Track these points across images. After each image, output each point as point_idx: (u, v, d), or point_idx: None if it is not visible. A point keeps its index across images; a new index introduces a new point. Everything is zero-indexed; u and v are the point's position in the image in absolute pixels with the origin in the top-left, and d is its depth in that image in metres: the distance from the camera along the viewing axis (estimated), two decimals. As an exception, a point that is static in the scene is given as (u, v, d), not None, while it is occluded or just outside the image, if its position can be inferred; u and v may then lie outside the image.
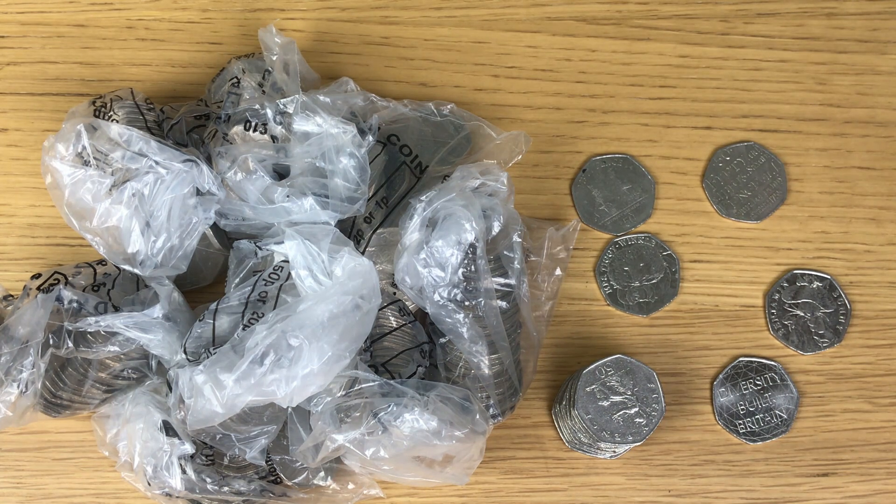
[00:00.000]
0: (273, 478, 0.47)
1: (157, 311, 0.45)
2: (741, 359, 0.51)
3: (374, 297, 0.44)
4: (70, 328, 0.44)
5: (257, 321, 0.43)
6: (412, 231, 0.46)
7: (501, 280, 0.46)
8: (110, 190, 0.45)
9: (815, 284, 0.53)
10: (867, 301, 0.53)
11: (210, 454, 0.46)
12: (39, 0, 0.55)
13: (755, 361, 0.51)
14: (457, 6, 0.56)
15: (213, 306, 0.45)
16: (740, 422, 0.51)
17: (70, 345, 0.44)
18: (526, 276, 0.47)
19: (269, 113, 0.47)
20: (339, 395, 0.44)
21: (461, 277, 0.45)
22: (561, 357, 0.52)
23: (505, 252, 0.47)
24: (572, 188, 0.53)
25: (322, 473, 0.47)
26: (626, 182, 0.53)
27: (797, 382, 0.51)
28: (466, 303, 0.46)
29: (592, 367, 0.47)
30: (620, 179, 0.53)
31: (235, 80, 0.49)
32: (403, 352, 0.46)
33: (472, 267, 0.45)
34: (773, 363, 0.52)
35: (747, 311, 0.52)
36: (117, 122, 0.46)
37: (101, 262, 0.47)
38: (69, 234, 0.52)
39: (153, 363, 0.46)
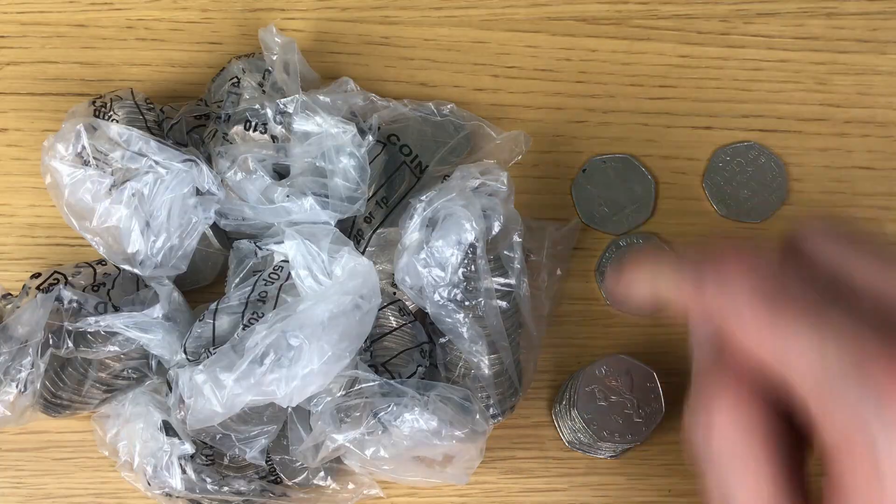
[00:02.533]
0: (273, 478, 0.47)
1: (157, 311, 0.45)
2: (741, 359, 0.51)
3: (374, 297, 0.44)
4: (70, 328, 0.44)
5: (257, 321, 0.43)
6: (412, 231, 0.46)
7: (501, 280, 0.46)
8: (110, 190, 0.45)
9: (816, 284, 0.53)
10: (867, 301, 0.53)
11: (210, 454, 0.46)
12: (39, 0, 0.55)
13: (755, 361, 0.51)
14: (457, 6, 0.56)
15: (213, 306, 0.45)
16: (740, 422, 0.51)
17: (70, 345, 0.44)
18: (526, 276, 0.47)
19: (269, 113, 0.47)
20: (339, 395, 0.44)
21: (461, 277, 0.45)
22: (561, 357, 0.52)
23: (505, 252, 0.47)
24: (572, 188, 0.53)
25: (322, 473, 0.47)
26: (626, 182, 0.53)
27: (797, 382, 0.51)
28: (466, 303, 0.46)
29: (592, 367, 0.47)
30: (620, 179, 0.53)
31: (235, 79, 0.49)
32: (403, 352, 0.46)
33: (472, 267, 0.45)
34: (773, 363, 0.51)
35: (747, 311, 0.52)
36: (117, 122, 0.46)
37: (101, 262, 0.47)
38: (69, 234, 0.52)
39: (153, 363, 0.46)
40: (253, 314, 0.44)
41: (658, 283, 0.36)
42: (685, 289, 0.35)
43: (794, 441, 0.34)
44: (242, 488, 0.46)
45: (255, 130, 0.47)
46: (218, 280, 0.51)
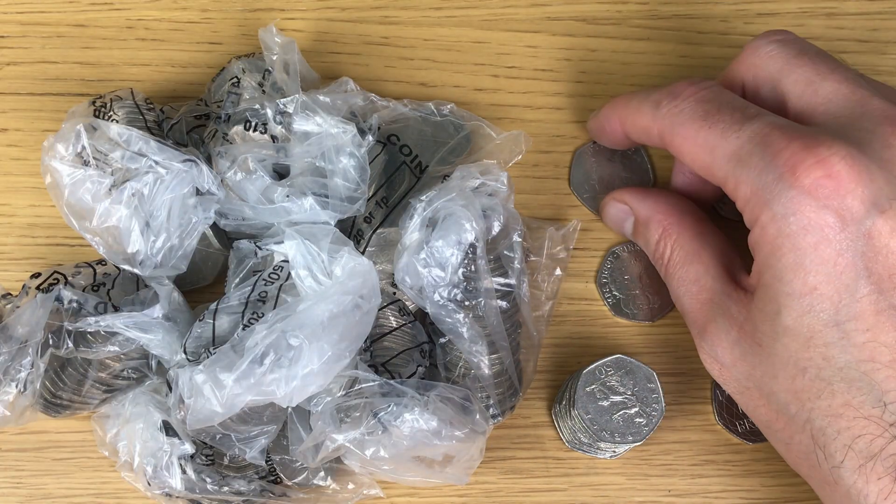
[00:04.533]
0: (273, 478, 0.47)
1: (157, 311, 0.45)
2: (741, 359, 0.51)
3: (374, 296, 0.44)
4: (70, 328, 0.44)
5: (257, 321, 0.43)
6: (412, 231, 0.46)
7: (501, 280, 0.46)
8: (110, 190, 0.45)
9: (816, 284, 0.53)
10: (867, 301, 0.53)
11: (210, 454, 0.46)
12: (39, 0, 0.55)
13: (755, 361, 0.51)
14: (457, 6, 0.56)
15: (213, 306, 0.45)
16: (740, 422, 0.51)
17: (70, 345, 0.44)
18: (526, 276, 0.47)
19: (269, 113, 0.47)
20: (339, 395, 0.44)
21: (461, 277, 0.45)
22: (561, 357, 0.52)
23: (505, 252, 0.47)
24: (574, 154, 0.53)
25: (322, 473, 0.47)
26: (626, 171, 0.53)
27: (797, 382, 0.51)
28: (466, 303, 0.46)
29: (592, 367, 0.47)
30: (623, 166, 0.53)
31: (235, 79, 0.49)
32: (403, 352, 0.46)
33: (472, 267, 0.45)
34: (773, 363, 0.51)
35: (747, 311, 0.52)
36: (117, 122, 0.46)
37: (101, 262, 0.47)
38: (69, 234, 0.52)
39: (153, 363, 0.46)
40: (253, 314, 0.44)
41: (625, 113, 0.48)
42: (646, 112, 0.46)
43: (719, 246, 0.46)
44: (242, 488, 0.46)
45: (255, 130, 0.47)
46: (218, 280, 0.51)
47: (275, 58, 0.49)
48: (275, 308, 0.44)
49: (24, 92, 0.54)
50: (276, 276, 0.46)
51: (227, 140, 0.47)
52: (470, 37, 0.55)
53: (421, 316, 0.48)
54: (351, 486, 0.48)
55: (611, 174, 0.53)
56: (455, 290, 0.45)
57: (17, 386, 0.44)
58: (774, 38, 0.46)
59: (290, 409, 0.45)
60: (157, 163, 0.45)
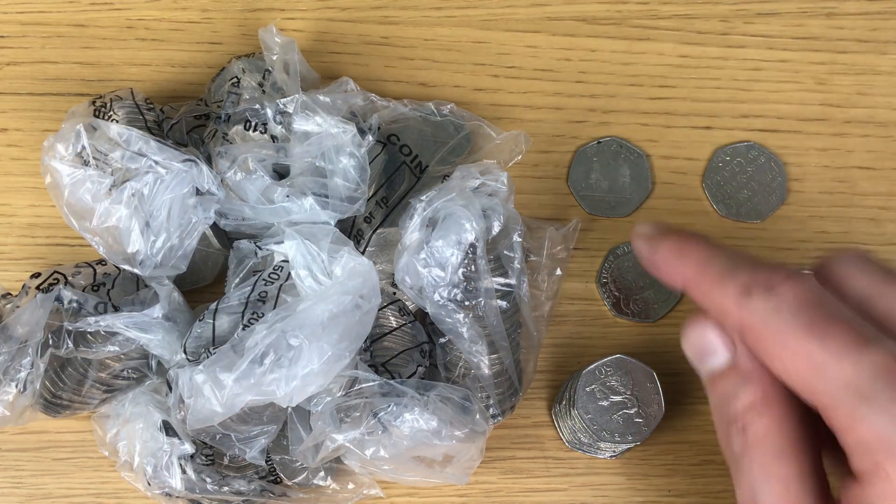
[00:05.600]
0: (273, 478, 0.47)
1: (157, 311, 0.45)
2: (741, 359, 0.51)
3: (374, 296, 0.44)
4: (70, 328, 0.44)
5: (257, 321, 0.43)
6: (412, 231, 0.46)
7: (501, 280, 0.46)
8: (110, 190, 0.45)
9: (816, 284, 0.52)
10: (867, 301, 0.53)
11: (210, 454, 0.46)
12: (39, 0, 0.55)
13: (755, 361, 0.51)
14: (457, 6, 0.56)
15: (213, 306, 0.45)
16: (740, 422, 0.51)
17: (70, 345, 0.44)
18: (526, 276, 0.47)
19: (269, 113, 0.47)
20: (339, 395, 0.44)
21: (461, 277, 0.45)
22: (561, 357, 0.52)
23: (505, 252, 0.47)
24: (577, 151, 0.53)
25: (322, 473, 0.47)
26: (626, 174, 0.53)
27: (797, 382, 0.51)
28: (466, 303, 0.46)
29: (592, 367, 0.47)
30: (625, 169, 0.53)
31: (235, 79, 0.49)
32: (403, 352, 0.46)
33: (472, 267, 0.45)
34: (773, 363, 0.51)
35: (747, 311, 0.52)
36: (117, 122, 0.46)
37: (101, 262, 0.47)
38: (69, 234, 0.52)
39: (153, 363, 0.46)
40: (253, 314, 0.44)
41: (700, 279, 0.37)
42: (729, 294, 0.35)
43: (813, 442, 0.35)
44: (242, 488, 0.46)
45: (255, 130, 0.47)
46: (218, 280, 0.51)
47: (275, 58, 0.49)
48: (275, 308, 0.44)
49: (24, 92, 0.54)
50: (276, 276, 0.46)
51: (227, 140, 0.47)
52: (470, 37, 0.55)
53: (421, 316, 0.48)
54: (351, 486, 0.48)
55: (612, 174, 0.53)
56: (455, 290, 0.45)
57: (17, 386, 0.44)
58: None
59: (290, 409, 0.45)
60: (157, 163, 0.45)
